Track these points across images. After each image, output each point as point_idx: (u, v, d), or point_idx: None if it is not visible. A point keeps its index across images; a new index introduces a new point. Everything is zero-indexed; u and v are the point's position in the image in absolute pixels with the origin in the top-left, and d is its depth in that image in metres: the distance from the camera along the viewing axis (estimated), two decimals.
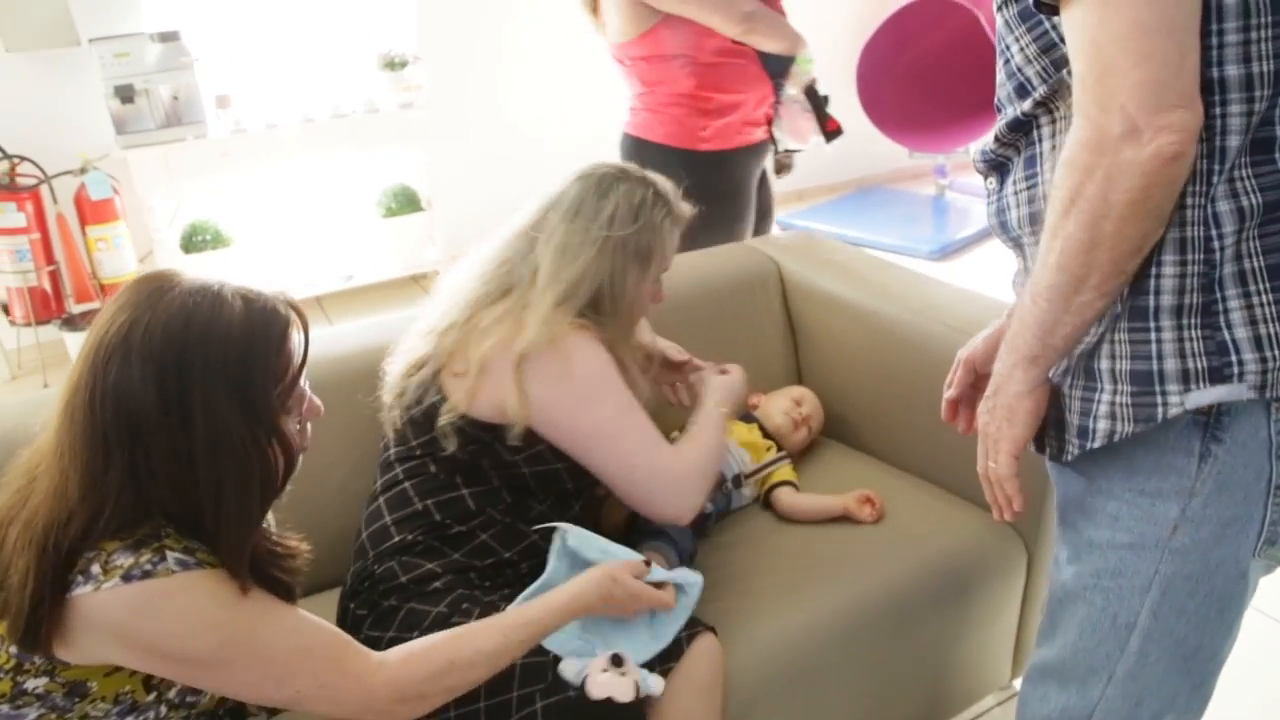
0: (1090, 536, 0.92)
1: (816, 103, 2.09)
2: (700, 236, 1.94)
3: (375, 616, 1.18)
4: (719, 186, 2.07)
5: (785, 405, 1.72)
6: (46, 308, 3.25)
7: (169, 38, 3.20)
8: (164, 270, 0.92)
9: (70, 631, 0.85)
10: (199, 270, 0.91)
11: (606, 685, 1.05)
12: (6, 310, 3.26)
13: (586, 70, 4.26)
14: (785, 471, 1.60)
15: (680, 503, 1.22)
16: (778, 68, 2.07)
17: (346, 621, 1.21)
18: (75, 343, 3.16)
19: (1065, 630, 0.96)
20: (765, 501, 1.58)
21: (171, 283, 0.89)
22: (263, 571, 0.94)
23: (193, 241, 3.48)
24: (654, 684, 1.09)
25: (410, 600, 1.17)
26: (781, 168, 2.26)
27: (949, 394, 1.08)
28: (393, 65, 3.61)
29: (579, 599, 1.08)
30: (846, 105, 4.69)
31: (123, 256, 3.31)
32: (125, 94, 3.15)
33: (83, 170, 3.22)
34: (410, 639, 1.12)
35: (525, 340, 1.16)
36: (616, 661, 1.07)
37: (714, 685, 1.17)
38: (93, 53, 3.14)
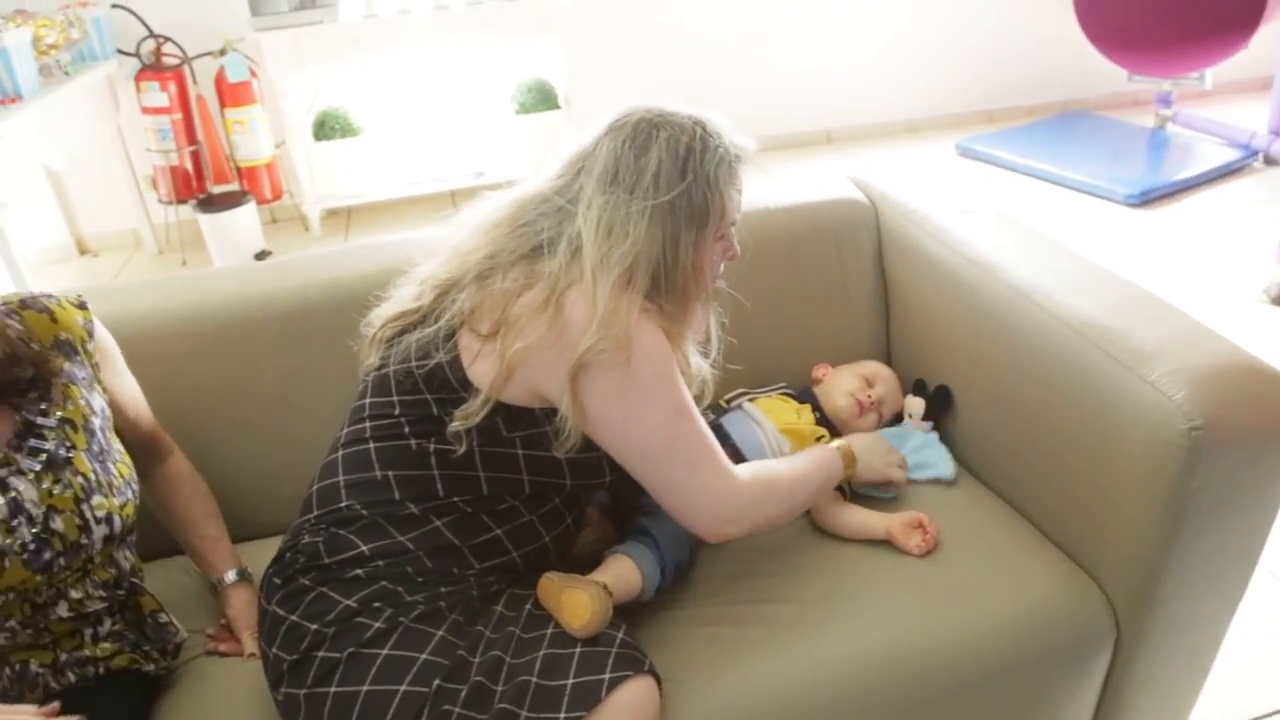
0: None
1: None
2: None
3: (287, 592, 1.04)
4: None
5: (853, 384, 1.41)
6: (187, 187, 3.35)
7: None
8: None
9: None
10: None
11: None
12: (155, 185, 3.39)
13: None
14: None
15: (709, 524, 1.04)
16: None
17: (265, 586, 1.08)
18: (209, 225, 3.24)
19: None
20: None
21: None
22: None
23: (323, 129, 3.46)
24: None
25: (325, 584, 1.02)
26: None
27: None
28: None
29: None
30: (1058, 12, 4.01)
31: (258, 141, 3.34)
32: None
33: (222, 52, 3.24)
34: (310, 630, 0.99)
35: (588, 342, 0.96)
36: None
37: None
38: None
